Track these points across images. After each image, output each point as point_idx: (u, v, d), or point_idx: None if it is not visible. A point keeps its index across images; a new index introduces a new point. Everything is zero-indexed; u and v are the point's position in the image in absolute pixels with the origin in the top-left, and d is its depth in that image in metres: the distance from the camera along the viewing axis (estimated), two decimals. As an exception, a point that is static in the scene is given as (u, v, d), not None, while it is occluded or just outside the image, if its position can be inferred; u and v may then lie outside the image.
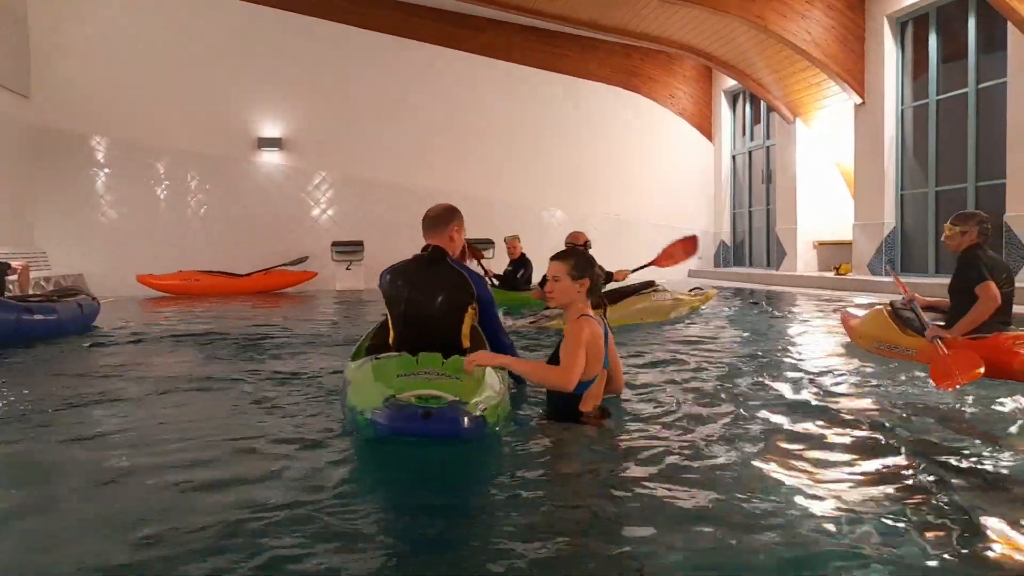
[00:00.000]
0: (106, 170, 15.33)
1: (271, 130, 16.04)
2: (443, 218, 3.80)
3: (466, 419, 2.81)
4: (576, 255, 3.41)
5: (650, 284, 8.60)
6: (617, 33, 15.41)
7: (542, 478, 2.81)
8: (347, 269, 15.59)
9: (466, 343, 3.62)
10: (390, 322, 3.72)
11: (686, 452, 2.99)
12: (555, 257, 3.43)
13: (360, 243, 15.69)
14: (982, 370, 4.02)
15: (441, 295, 3.57)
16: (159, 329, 8.45)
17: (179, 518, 2.37)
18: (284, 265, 15.35)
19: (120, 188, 15.36)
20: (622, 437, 3.22)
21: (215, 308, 11.30)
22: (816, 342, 6.51)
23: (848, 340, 6.08)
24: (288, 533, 2.24)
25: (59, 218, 14.98)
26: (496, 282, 10.36)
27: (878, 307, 5.76)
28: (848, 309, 6.49)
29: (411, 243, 15.66)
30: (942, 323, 4.93)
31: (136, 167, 15.41)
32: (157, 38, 15.40)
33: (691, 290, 9.41)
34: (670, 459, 2.89)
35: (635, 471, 2.79)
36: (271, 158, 16.07)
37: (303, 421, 3.66)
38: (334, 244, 15.63)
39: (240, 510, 2.43)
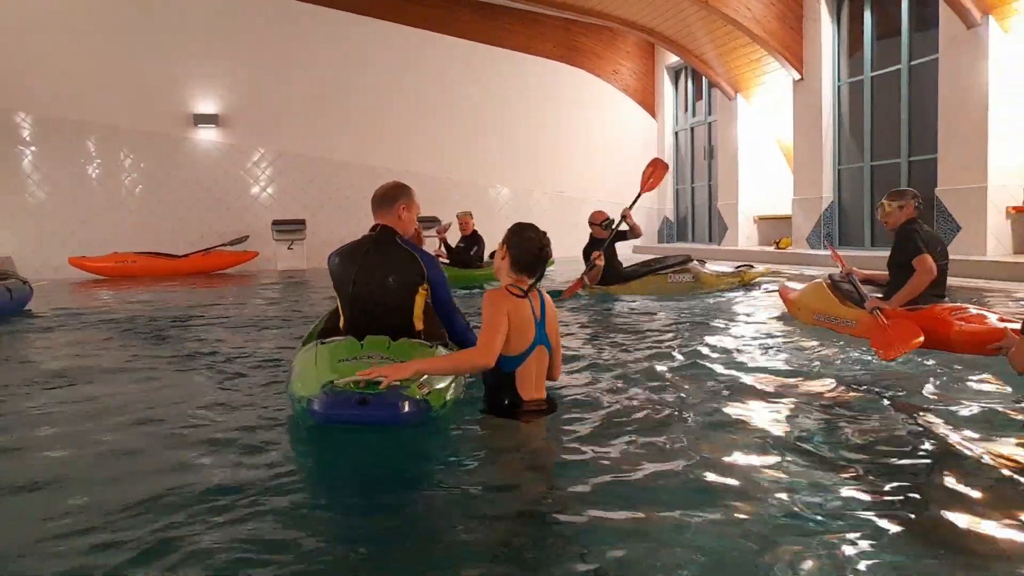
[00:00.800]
0: (32, 148, 14.70)
1: (207, 106, 15.58)
2: (390, 196, 3.63)
3: (406, 404, 2.71)
4: (519, 230, 3.18)
5: (688, 259, 8.97)
6: (560, 7, 15.33)
7: (475, 479, 2.64)
8: (289, 249, 15.32)
9: (419, 325, 3.51)
10: (339, 306, 3.63)
11: (625, 445, 2.86)
12: None
13: (302, 222, 15.42)
14: (921, 339, 4.13)
15: (389, 276, 3.45)
16: (94, 313, 8.18)
17: (109, 511, 2.29)
18: (223, 245, 14.99)
19: (48, 167, 14.76)
20: (563, 431, 3.05)
21: (152, 291, 11.00)
22: (757, 316, 6.62)
23: (787, 314, 6.20)
24: (215, 526, 2.17)
25: (-17, 199, 14.35)
26: (447, 260, 10.32)
27: (817, 280, 5.87)
28: (786, 283, 6.61)
29: (354, 221, 15.61)
30: (880, 295, 5.07)
31: (65, 145, 14.81)
32: (85, 8, 14.77)
33: (738, 266, 9.66)
34: (605, 461, 2.70)
35: (570, 473, 2.63)
36: (208, 135, 15.62)
37: (244, 409, 3.55)
38: (275, 223, 15.33)
39: (171, 503, 2.35)
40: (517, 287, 3.11)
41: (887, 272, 5.18)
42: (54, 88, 14.58)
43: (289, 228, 15.27)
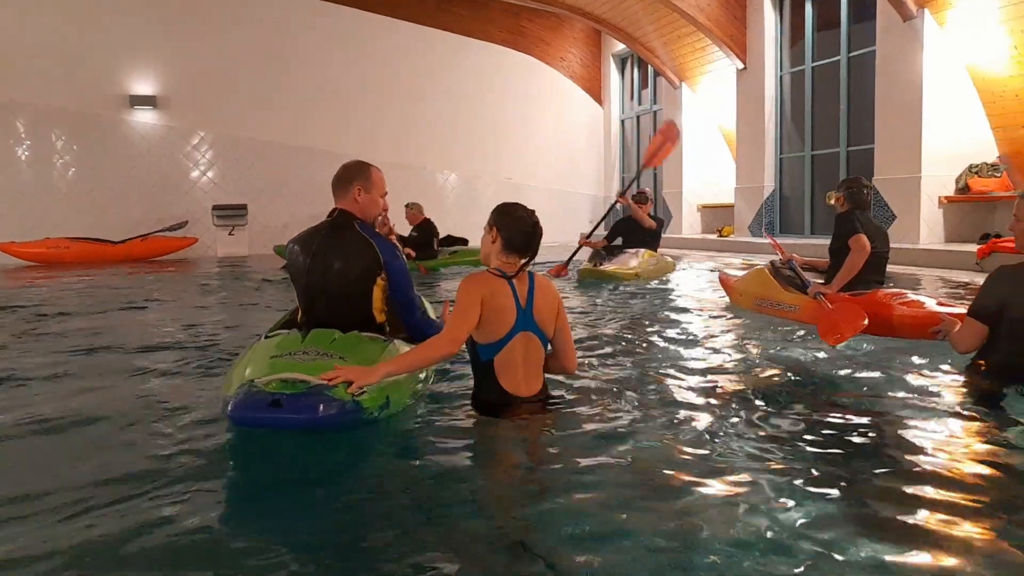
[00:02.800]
0: (-43, 128, 14.07)
1: (144, 87, 15.09)
2: (345, 177, 3.33)
3: (323, 406, 2.46)
4: (507, 210, 2.99)
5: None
6: (507, -7, 15.26)
7: (447, 477, 2.48)
8: (230, 234, 14.99)
9: (380, 318, 3.26)
10: (296, 297, 3.38)
11: (595, 444, 2.70)
12: None
13: (243, 207, 15.09)
14: (866, 322, 4.22)
15: (344, 264, 3.18)
16: (25, 301, 7.87)
17: (25, 517, 2.13)
18: (162, 231, 14.56)
19: (-26, 148, 14.14)
20: (554, 433, 2.86)
21: (87, 278, 10.64)
22: (701, 304, 6.68)
23: (728, 301, 6.27)
24: (151, 533, 2.03)
25: (-96, 181, 13.68)
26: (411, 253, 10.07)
27: (759, 266, 5.95)
28: (726, 270, 6.66)
29: (297, 207, 15.33)
30: (821, 281, 5.18)
31: (-8, 125, 14.20)
32: (11, -16, 14.15)
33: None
34: (583, 457, 2.56)
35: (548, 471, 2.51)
36: (145, 116, 15.14)
37: (183, 407, 3.29)
38: (215, 208, 14.97)
39: (92, 505, 2.20)
40: (499, 270, 2.91)
41: (828, 259, 5.31)
42: (-20, 66, 13.95)
43: (230, 213, 14.94)
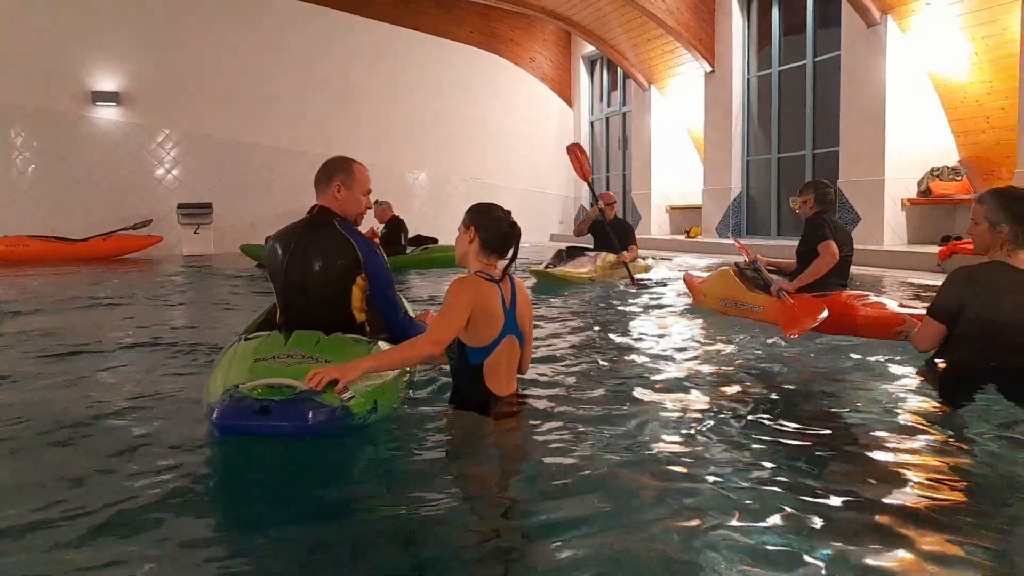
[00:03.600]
0: (-88, 123, 13.71)
1: (107, 83, 14.83)
2: (324, 173, 3.24)
3: (313, 413, 2.38)
4: (483, 210, 2.99)
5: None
6: (477, -7, 15.24)
7: (429, 479, 2.45)
8: (195, 233, 14.79)
9: (360, 317, 3.18)
10: (275, 296, 3.28)
11: (583, 446, 2.69)
12: None
13: (208, 205, 14.89)
14: (826, 313, 4.27)
15: (321, 263, 3.09)
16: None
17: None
18: (125, 229, 14.30)
19: (-70, 144, 13.79)
20: (534, 429, 2.87)
21: (48, 277, 10.42)
22: (664, 304, 6.71)
23: (692, 301, 6.30)
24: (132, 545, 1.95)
25: None
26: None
27: (724, 267, 6.00)
28: (690, 271, 6.71)
29: (264, 205, 15.14)
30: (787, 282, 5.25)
31: (-52, 121, 13.86)
32: (-31, -24, 13.83)
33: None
34: (575, 459, 2.55)
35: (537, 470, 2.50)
36: (108, 113, 14.88)
37: (151, 412, 3.18)
38: (180, 206, 14.76)
39: (63, 515, 2.09)
40: (486, 273, 2.87)
41: (794, 260, 5.37)
42: (-64, 59, 13.61)
43: (195, 212, 14.74)
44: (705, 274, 6.30)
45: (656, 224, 15.81)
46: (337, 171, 3.23)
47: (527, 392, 3.23)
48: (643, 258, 9.27)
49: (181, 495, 2.27)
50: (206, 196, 15.19)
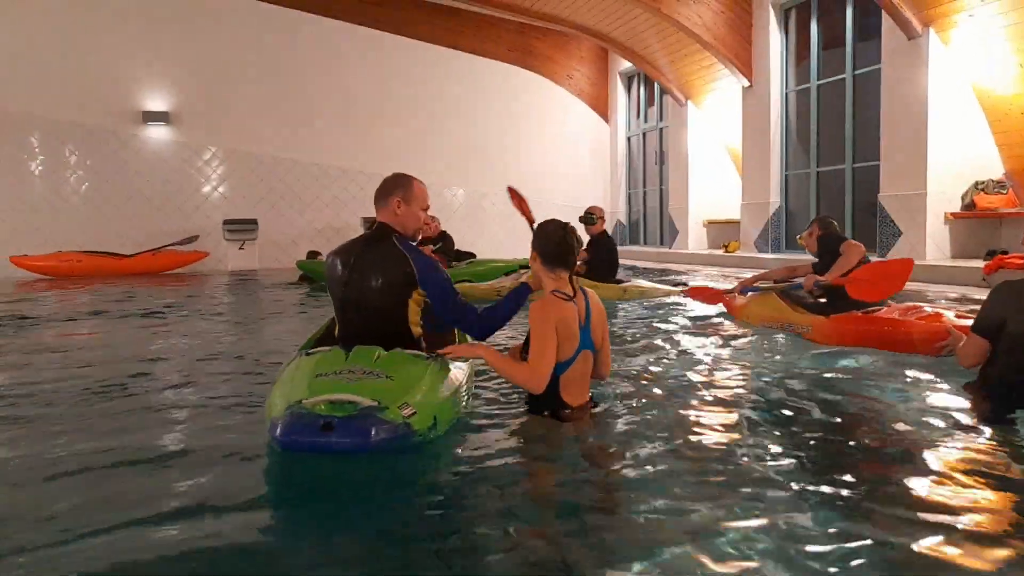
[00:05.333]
0: (-28, 143, 14.26)
1: (157, 103, 15.28)
2: (385, 189, 3.27)
3: (375, 429, 2.40)
4: (539, 227, 3.10)
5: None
6: (515, 11, 15.42)
7: (499, 484, 2.45)
8: (240, 249, 15.10)
9: (417, 332, 3.19)
10: (334, 311, 3.31)
11: (668, 458, 2.71)
12: None
13: (254, 221, 15.22)
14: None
15: (380, 278, 3.11)
16: (37, 314, 7.97)
17: (54, 545, 2.04)
18: (173, 245, 14.71)
19: (-11, 162, 14.32)
20: (607, 436, 2.94)
21: (100, 291, 10.74)
22: (709, 320, 6.71)
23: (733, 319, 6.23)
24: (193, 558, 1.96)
25: (-81, 194, 13.85)
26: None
27: (764, 289, 5.92)
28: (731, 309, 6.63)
29: (306, 221, 15.41)
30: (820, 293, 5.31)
31: (6, 140, 14.37)
32: (27, 0, 14.37)
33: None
34: (646, 464, 2.60)
35: (611, 481, 2.54)
36: (157, 132, 15.32)
37: (212, 425, 3.24)
38: (226, 222, 15.10)
39: (128, 532, 2.11)
40: (561, 292, 2.97)
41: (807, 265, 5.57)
42: (-4, 82, 14.16)
43: (240, 228, 15.05)
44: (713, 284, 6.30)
45: (694, 239, 15.78)
46: (396, 187, 3.27)
47: (599, 397, 3.31)
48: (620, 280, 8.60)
49: (246, 507, 2.28)
50: (250, 212, 15.54)
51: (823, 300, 5.29)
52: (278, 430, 2.42)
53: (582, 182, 18.71)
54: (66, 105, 14.62)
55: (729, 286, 6.69)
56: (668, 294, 7.97)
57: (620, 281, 8.40)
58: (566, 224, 3.06)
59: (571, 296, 2.97)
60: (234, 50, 15.65)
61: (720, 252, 14.50)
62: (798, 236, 5.60)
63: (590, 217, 8.48)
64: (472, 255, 11.61)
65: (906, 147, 10.33)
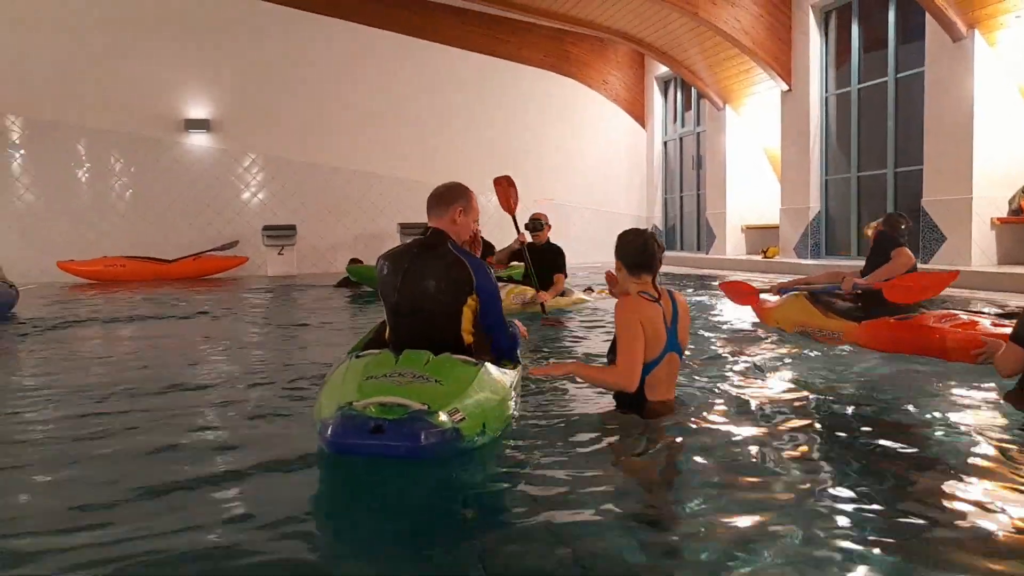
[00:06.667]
0: (22, 151, 14.65)
1: (198, 111, 15.57)
2: (446, 197, 3.29)
3: (425, 434, 2.39)
4: (619, 237, 3.21)
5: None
6: (550, 17, 15.42)
7: (581, 477, 2.49)
8: (279, 254, 15.31)
9: (468, 339, 3.20)
10: (386, 315, 3.31)
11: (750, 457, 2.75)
12: None
13: (292, 227, 15.42)
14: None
15: (435, 284, 3.12)
16: (84, 317, 8.17)
17: (105, 544, 2.08)
18: (213, 250, 14.97)
19: (37, 170, 14.71)
20: (689, 432, 2.96)
21: (143, 295, 10.97)
22: (739, 324, 6.64)
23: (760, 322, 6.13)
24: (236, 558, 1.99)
25: (-29, 202, 14.28)
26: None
27: (795, 292, 5.83)
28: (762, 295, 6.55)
29: (343, 227, 15.57)
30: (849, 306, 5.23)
31: (54, 148, 14.76)
32: (78, 12, 14.75)
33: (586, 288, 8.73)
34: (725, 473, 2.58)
35: (688, 476, 2.58)
36: (199, 140, 15.61)
37: (256, 428, 3.30)
38: (265, 228, 15.33)
39: (172, 532, 2.15)
40: (647, 293, 3.07)
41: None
42: (45, 91, 14.55)
43: (280, 233, 15.26)
44: (774, 298, 6.13)
45: (731, 244, 15.63)
46: (459, 197, 3.31)
47: (682, 396, 3.39)
48: (571, 290, 8.38)
49: (286, 511, 2.29)
50: (289, 218, 15.75)
51: (857, 304, 5.19)
52: (328, 431, 2.42)
53: (618, 187, 18.66)
54: (111, 114, 14.97)
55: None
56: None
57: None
58: (645, 231, 3.20)
59: (656, 298, 3.06)
60: (274, 59, 15.88)
61: (759, 258, 14.33)
62: (865, 226, 5.52)
63: (536, 223, 8.30)
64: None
65: (951, 151, 10.12)
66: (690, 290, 7.88)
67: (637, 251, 3.12)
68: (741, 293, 6.45)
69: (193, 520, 2.24)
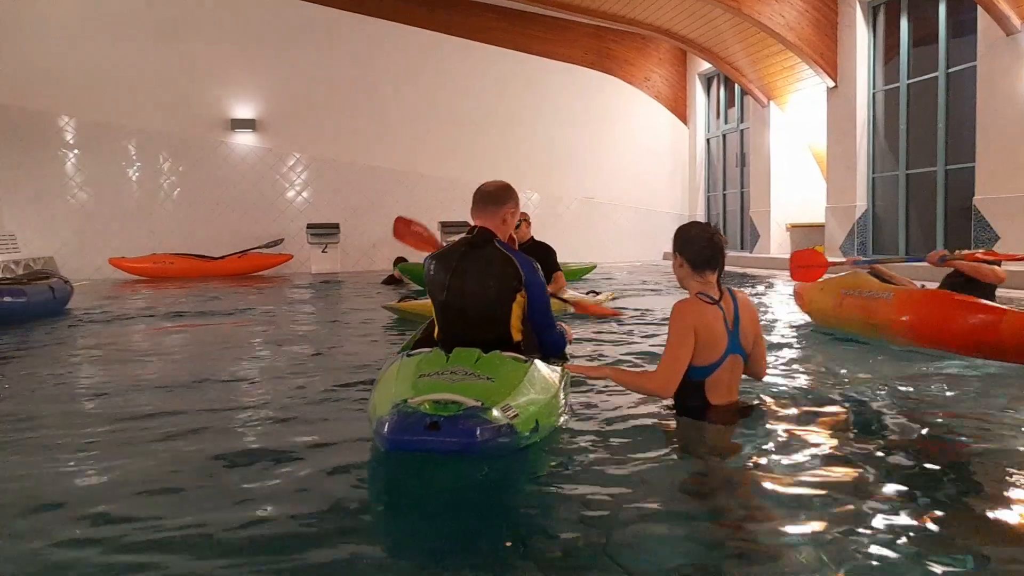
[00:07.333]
0: (75, 151, 15.08)
1: (244, 111, 15.85)
2: (497, 197, 3.27)
3: (480, 431, 2.38)
4: (680, 231, 3.05)
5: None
6: (591, 15, 15.39)
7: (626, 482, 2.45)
8: (323, 252, 15.51)
9: (517, 336, 3.19)
10: (434, 314, 3.32)
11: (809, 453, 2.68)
12: None
13: (336, 225, 15.61)
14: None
15: (484, 282, 3.13)
16: (137, 312, 8.38)
17: (164, 532, 2.14)
18: (259, 248, 15.23)
19: (90, 169, 15.12)
20: (751, 437, 2.84)
21: (191, 291, 11.21)
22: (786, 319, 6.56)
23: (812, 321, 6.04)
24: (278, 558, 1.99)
25: (28, 200, 14.72)
26: None
27: (864, 267, 5.73)
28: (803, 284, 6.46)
29: (386, 225, 15.72)
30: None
31: (106, 148, 15.16)
32: (127, 15, 15.12)
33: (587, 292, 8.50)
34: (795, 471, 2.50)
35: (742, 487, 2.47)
36: (244, 139, 15.89)
37: (308, 422, 3.36)
38: (309, 226, 15.53)
39: (223, 526, 2.17)
40: (707, 294, 2.92)
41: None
42: (96, 93, 14.94)
43: (324, 232, 15.46)
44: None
45: (776, 243, 15.42)
46: (510, 198, 3.31)
47: (748, 397, 3.26)
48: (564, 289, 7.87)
49: (340, 504, 2.33)
50: (332, 217, 15.95)
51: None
52: (385, 428, 2.42)
53: (660, 185, 18.54)
54: (160, 115, 15.32)
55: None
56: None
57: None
58: (710, 224, 3.03)
59: (716, 299, 2.92)
60: (318, 60, 16.09)
61: (803, 257, 14.10)
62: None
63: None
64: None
65: (1004, 147, 9.87)
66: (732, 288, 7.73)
67: (702, 247, 2.92)
68: (809, 265, 6.21)
69: (245, 512, 2.29)
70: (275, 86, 15.99)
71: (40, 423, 3.39)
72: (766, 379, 3.44)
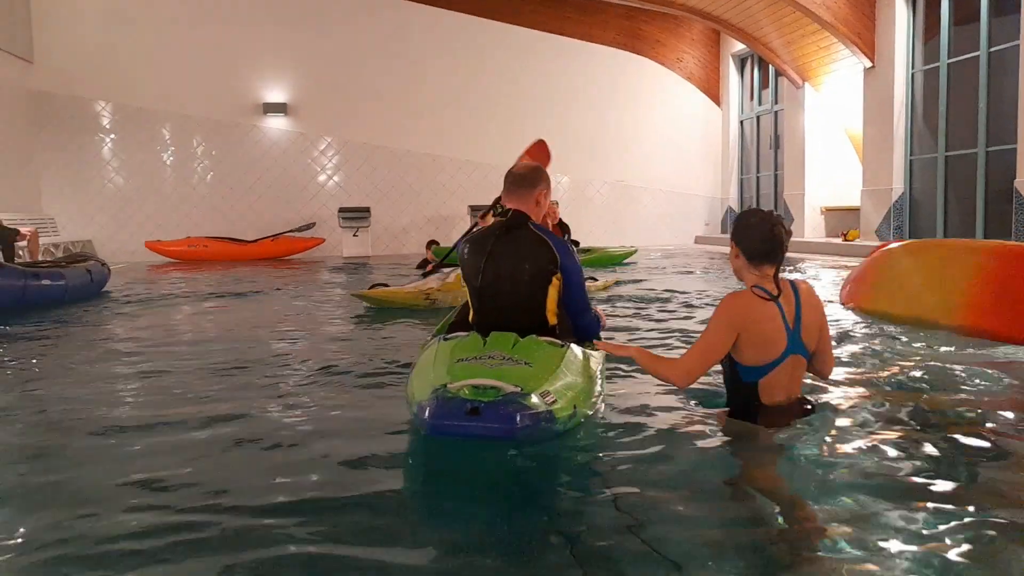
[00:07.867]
0: (112, 136, 15.31)
1: (276, 95, 15.96)
2: (529, 179, 3.23)
3: (520, 417, 2.36)
4: (739, 219, 2.81)
5: None
6: (625, -4, 15.22)
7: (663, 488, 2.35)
8: (354, 235, 15.61)
9: (552, 320, 3.15)
10: (469, 298, 3.28)
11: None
12: None
13: (367, 209, 15.69)
14: None
15: (519, 265, 3.10)
16: (172, 293, 8.51)
17: (203, 509, 2.19)
18: (291, 231, 15.38)
19: (126, 154, 15.35)
20: (805, 442, 2.64)
21: (226, 274, 11.35)
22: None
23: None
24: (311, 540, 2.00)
25: (66, 184, 15.00)
26: None
27: None
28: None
29: (416, 209, 15.76)
30: None
31: (142, 133, 15.38)
32: (160, 2, 15.28)
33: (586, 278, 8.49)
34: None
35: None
36: (277, 123, 16.01)
37: (348, 405, 3.41)
38: (341, 210, 15.64)
39: (260, 508, 2.20)
40: (763, 289, 2.67)
41: None
42: (132, 78, 15.13)
43: (355, 215, 15.55)
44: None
45: (810, 226, 15.21)
46: (542, 180, 3.27)
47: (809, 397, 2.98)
48: (593, 279, 8.14)
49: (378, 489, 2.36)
50: (363, 201, 16.04)
51: None
52: (426, 413, 2.41)
53: (692, 167, 18.36)
54: (194, 99, 15.48)
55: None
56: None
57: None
58: (771, 213, 2.75)
59: (775, 295, 2.66)
60: (350, 43, 16.13)
61: (838, 241, 13.92)
62: None
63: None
64: (576, 243, 11.57)
65: (1047, 129, 9.61)
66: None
67: (762, 238, 2.67)
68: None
69: (281, 495, 2.32)
70: (307, 70, 16.07)
71: (78, 404, 3.45)
72: (831, 376, 3.16)
